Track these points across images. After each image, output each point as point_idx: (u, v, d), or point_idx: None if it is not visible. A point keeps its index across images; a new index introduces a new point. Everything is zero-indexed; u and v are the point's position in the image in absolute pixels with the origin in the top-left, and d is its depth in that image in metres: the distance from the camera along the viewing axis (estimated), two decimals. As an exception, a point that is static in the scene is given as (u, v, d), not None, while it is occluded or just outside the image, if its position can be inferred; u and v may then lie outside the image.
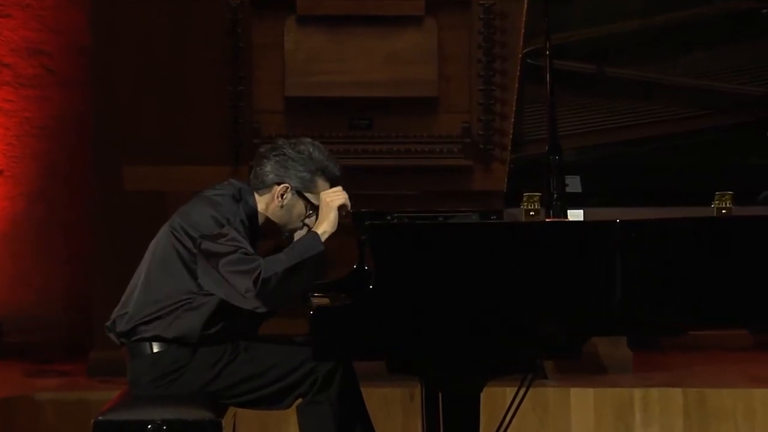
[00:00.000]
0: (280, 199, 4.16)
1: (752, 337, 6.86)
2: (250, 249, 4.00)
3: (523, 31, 4.48)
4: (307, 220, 4.19)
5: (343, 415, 4.12)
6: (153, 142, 6.36)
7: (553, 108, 4.15)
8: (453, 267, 3.80)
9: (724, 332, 6.23)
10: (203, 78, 6.36)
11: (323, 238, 4.03)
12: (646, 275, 3.86)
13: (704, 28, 4.65)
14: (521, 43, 4.50)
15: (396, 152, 6.36)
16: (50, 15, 7.03)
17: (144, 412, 4.00)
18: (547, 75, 4.16)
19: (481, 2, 6.35)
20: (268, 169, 4.17)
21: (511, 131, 4.61)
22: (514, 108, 4.59)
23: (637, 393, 5.86)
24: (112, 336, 4.20)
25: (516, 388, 4.15)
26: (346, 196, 4.11)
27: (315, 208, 4.16)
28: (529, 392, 4.14)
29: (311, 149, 4.17)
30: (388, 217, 4.45)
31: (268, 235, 4.28)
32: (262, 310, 3.97)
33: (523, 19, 4.47)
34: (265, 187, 4.18)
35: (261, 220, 4.20)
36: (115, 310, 4.20)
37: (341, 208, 4.09)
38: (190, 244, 4.07)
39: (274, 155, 4.17)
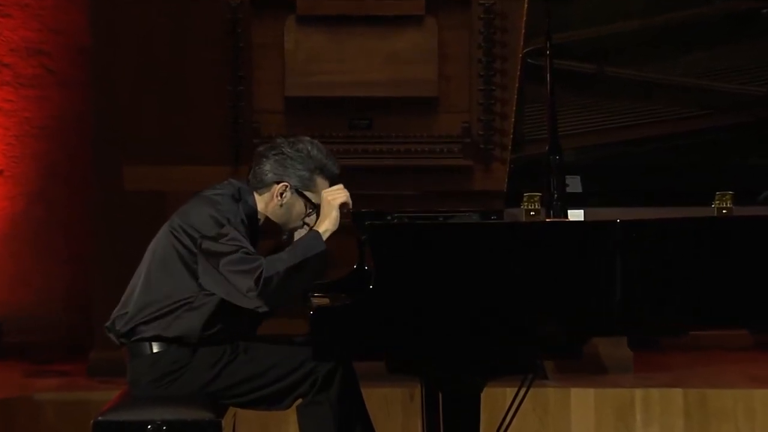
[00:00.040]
0: (279, 198, 4.16)
1: (753, 337, 6.86)
2: (251, 248, 4.00)
3: (523, 30, 4.48)
4: (307, 219, 4.19)
5: (343, 416, 4.12)
6: (153, 142, 6.36)
7: (553, 108, 4.14)
8: (453, 267, 3.80)
9: (724, 332, 6.23)
10: (203, 78, 6.36)
11: (325, 237, 4.03)
12: (647, 275, 3.86)
13: (704, 28, 4.64)
14: (521, 43, 4.50)
15: (396, 152, 6.36)
16: (50, 15, 7.03)
17: (144, 413, 4.00)
18: (548, 75, 4.16)
19: (481, 2, 6.35)
20: (267, 168, 4.16)
21: (512, 131, 4.60)
22: (514, 108, 4.58)
23: (638, 393, 5.86)
24: (111, 336, 4.19)
25: (516, 389, 4.15)
26: (348, 194, 4.10)
27: (315, 207, 4.16)
28: (529, 392, 4.14)
29: (310, 148, 4.17)
30: (388, 217, 4.45)
31: (268, 235, 4.28)
32: (263, 309, 3.96)
33: (524, 18, 4.47)
34: (264, 186, 4.17)
35: (261, 219, 4.20)
36: (115, 310, 4.20)
37: (343, 206, 4.09)
38: (190, 244, 4.06)
39: (273, 154, 4.17)
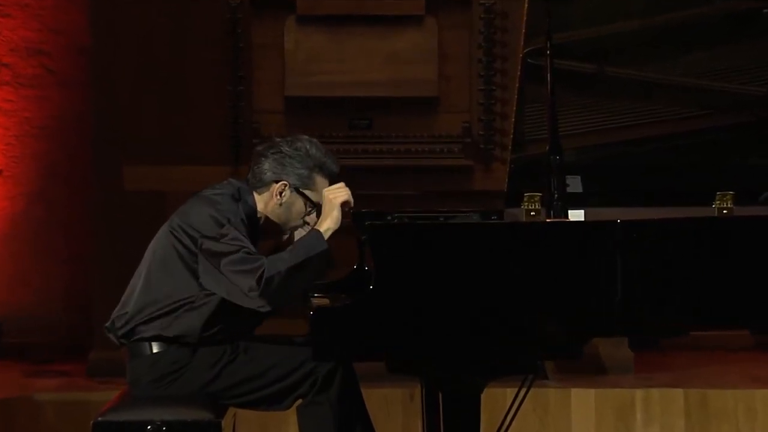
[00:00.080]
0: (278, 197, 4.15)
1: (753, 337, 6.86)
2: (252, 248, 3.99)
3: (523, 30, 4.48)
4: (307, 218, 4.18)
5: (343, 416, 4.11)
6: (153, 142, 6.36)
7: (553, 108, 4.14)
8: (453, 267, 3.80)
9: (725, 333, 6.23)
10: (203, 78, 6.36)
11: (326, 236, 4.02)
12: (647, 275, 3.86)
13: (704, 28, 4.64)
14: (522, 43, 4.50)
15: (396, 152, 6.36)
16: (50, 15, 7.02)
17: (143, 413, 3.99)
18: (548, 75, 4.16)
19: (481, 2, 6.35)
20: (266, 167, 4.16)
21: (512, 131, 4.60)
22: (514, 108, 4.58)
23: (638, 393, 5.86)
24: (111, 337, 4.19)
25: (516, 389, 4.15)
26: (349, 192, 4.09)
27: (314, 205, 4.15)
28: (529, 393, 4.13)
29: (308, 146, 4.16)
30: (388, 217, 4.45)
31: (268, 235, 4.27)
32: (265, 309, 3.95)
33: (524, 18, 4.47)
34: (263, 185, 4.17)
35: (261, 219, 4.19)
36: (115, 310, 4.20)
37: (344, 204, 4.08)
38: (190, 244, 4.06)
39: (272, 153, 4.16)
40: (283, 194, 4.15)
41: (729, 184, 4.44)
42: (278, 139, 4.21)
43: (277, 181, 4.14)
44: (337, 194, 4.07)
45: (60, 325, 6.95)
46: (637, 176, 4.63)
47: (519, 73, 4.53)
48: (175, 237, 4.09)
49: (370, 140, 6.37)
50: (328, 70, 6.35)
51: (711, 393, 5.83)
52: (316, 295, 4.33)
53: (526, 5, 4.44)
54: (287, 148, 4.15)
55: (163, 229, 4.17)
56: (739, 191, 4.43)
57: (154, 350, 4.10)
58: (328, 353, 3.89)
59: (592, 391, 5.88)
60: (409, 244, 3.83)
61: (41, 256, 7.02)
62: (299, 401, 4.14)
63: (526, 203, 4.17)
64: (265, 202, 4.18)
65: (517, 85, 4.57)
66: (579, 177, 4.49)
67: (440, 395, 3.93)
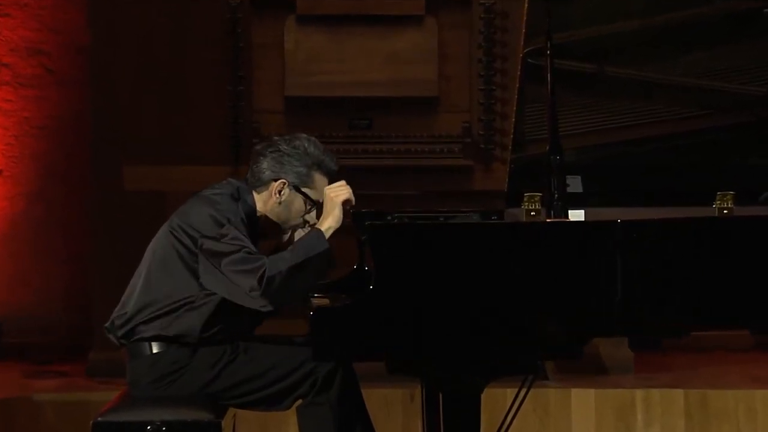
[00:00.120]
0: (277, 195, 4.14)
1: (753, 337, 6.85)
2: (253, 248, 3.99)
3: (523, 30, 4.47)
4: (307, 216, 4.17)
5: (343, 416, 4.11)
6: (153, 142, 6.36)
7: (553, 108, 4.14)
8: (453, 267, 3.79)
9: (725, 333, 6.23)
10: (203, 78, 6.36)
11: (327, 235, 4.01)
12: (647, 275, 3.86)
13: (704, 28, 4.64)
14: (522, 43, 4.49)
15: (396, 152, 6.35)
16: (49, 14, 7.02)
17: (143, 413, 3.99)
18: (548, 75, 4.16)
19: (481, 1, 6.34)
20: (265, 166, 4.15)
21: (512, 131, 4.60)
22: (514, 108, 4.58)
23: (639, 394, 5.85)
24: (111, 337, 4.19)
25: (517, 389, 4.14)
26: (350, 190, 4.08)
27: (314, 203, 4.15)
28: (529, 393, 4.13)
29: (306, 144, 4.15)
30: (388, 217, 4.44)
31: (269, 236, 4.27)
32: (267, 309, 3.95)
33: (524, 18, 4.47)
34: (262, 184, 4.16)
35: (260, 219, 4.18)
36: (115, 310, 4.19)
37: (346, 203, 4.07)
38: (190, 244, 4.05)
39: (270, 152, 4.16)
40: (282, 193, 4.14)
41: (729, 184, 4.43)
42: (276, 138, 4.20)
43: (275, 180, 4.14)
44: (338, 193, 4.07)
45: (60, 325, 6.95)
46: (637, 176, 4.63)
47: (519, 73, 4.52)
48: (175, 237, 4.09)
49: (370, 140, 6.37)
50: (328, 70, 6.35)
51: (711, 393, 5.82)
52: (316, 295, 4.33)
53: (526, 5, 4.44)
54: (285, 147, 4.15)
55: (163, 229, 4.16)
56: (740, 191, 4.42)
57: (154, 350, 4.09)
58: (328, 353, 3.88)
59: (592, 392, 5.87)
60: (409, 244, 3.83)
61: (41, 256, 7.02)
62: (299, 401, 4.13)
63: (527, 203, 4.17)
64: (264, 201, 4.17)
65: (517, 85, 4.56)
66: (579, 177, 4.49)
67: (440, 395, 3.92)
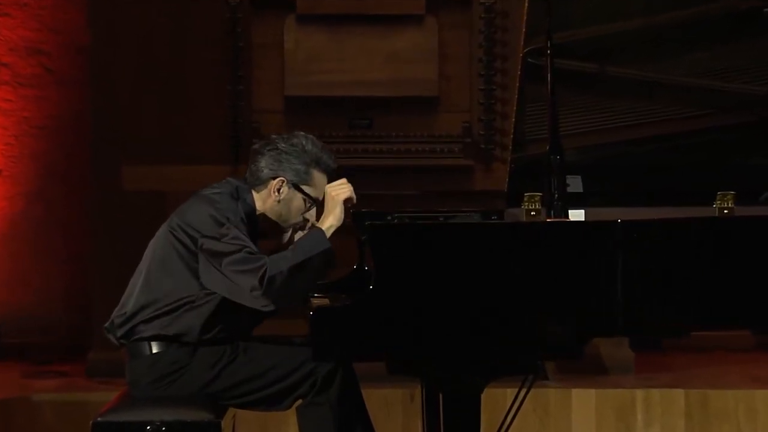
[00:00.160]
0: (276, 193, 4.14)
1: (754, 337, 6.85)
2: (254, 247, 3.98)
3: (524, 30, 4.47)
4: (306, 215, 4.17)
5: (343, 417, 4.10)
6: (153, 142, 6.35)
7: (554, 107, 4.13)
8: (453, 267, 3.79)
9: (726, 333, 6.22)
10: (203, 78, 6.35)
11: (329, 234, 4.00)
12: (648, 275, 3.85)
13: (706, 27, 4.63)
14: (522, 42, 4.49)
15: (396, 152, 6.35)
16: (49, 14, 7.02)
17: (143, 413, 3.99)
18: (548, 74, 4.15)
19: (481, 1, 6.34)
20: (263, 164, 4.14)
21: (512, 131, 4.60)
22: (515, 107, 4.58)
23: (639, 394, 5.85)
24: (110, 337, 4.18)
25: (517, 389, 4.14)
26: (351, 188, 4.07)
27: (313, 201, 4.14)
28: (530, 393, 4.12)
29: (304, 142, 4.15)
30: (388, 217, 4.44)
31: (269, 236, 4.26)
32: (270, 308, 3.94)
33: (524, 18, 4.46)
34: (261, 183, 4.15)
35: (260, 218, 4.18)
36: (114, 311, 4.19)
37: (347, 201, 4.06)
38: (189, 243, 4.05)
39: (268, 150, 4.15)
40: (281, 191, 4.14)
41: (730, 184, 4.43)
42: (275, 137, 4.20)
43: (274, 178, 4.13)
44: (339, 191, 4.06)
45: (60, 326, 6.95)
46: (638, 176, 4.63)
47: (519, 72, 4.52)
48: (175, 236, 4.08)
49: (370, 140, 6.36)
50: (328, 69, 6.34)
51: (712, 393, 5.82)
52: (316, 295, 4.32)
53: (526, 4, 4.44)
54: (283, 145, 4.14)
55: (163, 229, 4.16)
56: (740, 191, 4.42)
57: (154, 350, 4.09)
58: (328, 353, 3.88)
59: (592, 392, 5.87)
60: (409, 244, 3.82)
61: (40, 256, 7.01)
62: (299, 402, 4.13)
63: (527, 203, 4.16)
64: (263, 200, 4.16)
65: (517, 84, 4.56)
66: (579, 177, 4.48)
67: (440, 396, 3.92)
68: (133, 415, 3.99)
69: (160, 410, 3.99)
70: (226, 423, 4.06)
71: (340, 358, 4.03)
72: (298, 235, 4.19)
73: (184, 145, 6.34)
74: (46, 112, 7.03)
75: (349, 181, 4.12)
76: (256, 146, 4.21)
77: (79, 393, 5.91)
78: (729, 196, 4.39)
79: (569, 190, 4.13)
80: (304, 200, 4.14)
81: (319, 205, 4.15)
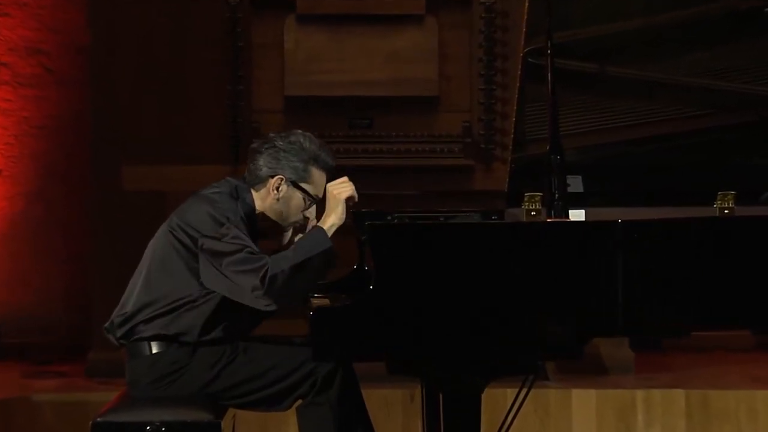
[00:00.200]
0: (275, 191, 4.13)
1: (754, 338, 6.85)
2: (254, 247, 3.98)
3: (524, 29, 4.47)
4: (306, 213, 4.16)
5: (343, 417, 4.10)
6: (153, 142, 6.35)
7: (554, 107, 4.13)
8: (454, 267, 3.79)
9: (726, 333, 6.22)
10: (203, 78, 6.35)
11: (330, 233, 3.99)
12: (648, 275, 3.85)
13: (706, 27, 4.63)
14: (522, 42, 4.49)
15: (396, 152, 6.35)
16: (48, 14, 7.02)
17: (143, 414, 3.98)
18: (549, 74, 4.15)
19: (482, 1, 6.34)
20: (261, 163, 4.14)
21: (513, 131, 4.59)
22: (515, 107, 4.57)
23: (639, 394, 5.85)
24: (110, 337, 4.18)
25: (517, 389, 4.13)
26: (353, 186, 4.06)
27: (312, 198, 4.13)
28: (530, 393, 4.12)
29: (302, 139, 4.15)
30: (388, 217, 4.44)
31: (270, 236, 4.25)
32: (272, 308, 3.93)
33: (525, 17, 4.46)
34: (260, 181, 4.15)
35: (260, 219, 4.17)
36: (114, 311, 4.18)
37: (349, 199, 4.06)
38: (189, 243, 4.04)
39: (266, 148, 4.15)
40: (280, 189, 4.13)
41: (730, 184, 4.42)
42: (272, 135, 4.20)
43: (272, 176, 4.13)
44: (341, 189, 4.05)
45: (60, 326, 6.95)
46: (638, 176, 4.62)
47: (519, 72, 4.52)
48: (174, 236, 4.08)
49: (370, 140, 6.36)
50: (328, 69, 6.34)
51: (712, 393, 5.82)
52: (316, 295, 4.32)
53: (526, 4, 4.43)
54: (281, 143, 4.14)
55: (162, 229, 4.15)
56: (741, 191, 4.42)
57: (154, 351, 4.08)
58: (328, 353, 3.87)
59: (593, 392, 5.87)
60: (409, 244, 3.82)
61: (40, 256, 7.01)
62: (299, 402, 4.12)
63: (527, 203, 4.16)
64: (262, 199, 4.16)
65: (517, 84, 4.56)
66: (580, 177, 4.48)
67: (440, 396, 3.91)
68: (133, 415, 3.99)
69: (160, 410, 3.98)
70: (226, 423, 4.05)
71: (340, 358, 4.03)
72: (299, 236, 4.18)
73: (184, 145, 6.34)
74: (45, 112, 7.03)
75: (350, 180, 4.11)
76: (254, 145, 4.20)
77: (79, 393, 5.91)
78: (729, 196, 4.39)
79: (569, 190, 4.13)
80: (304, 198, 4.14)
81: (319, 202, 4.14)
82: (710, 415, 5.79)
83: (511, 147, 4.60)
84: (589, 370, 6.07)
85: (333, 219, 4.02)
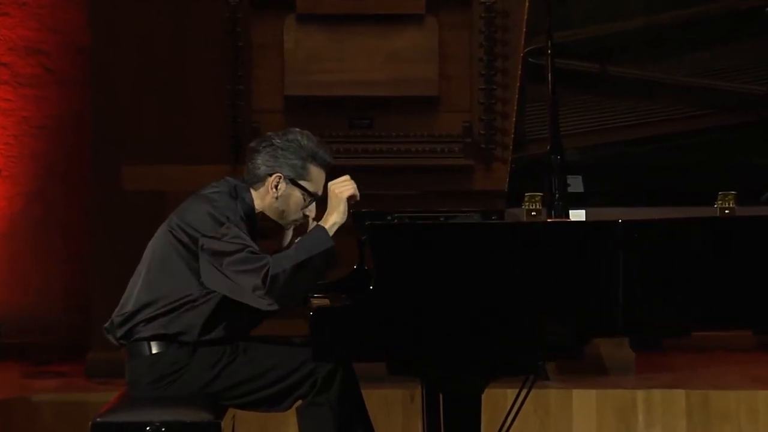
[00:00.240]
0: (274, 190, 4.13)
1: (755, 338, 6.84)
2: (255, 246, 3.97)
3: (524, 29, 4.47)
4: (306, 210, 4.16)
5: (343, 417, 4.10)
6: (153, 142, 6.35)
7: (554, 107, 4.13)
8: (454, 267, 3.78)
9: (726, 333, 6.21)
10: (203, 78, 6.35)
11: (332, 231, 3.99)
12: (649, 275, 3.85)
13: (706, 27, 4.63)
14: (523, 42, 4.48)
15: (396, 152, 6.34)
16: (48, 14, 7.01)
17: (142, 414, 3.98)
18: (549, 74, 4.14)
19: (482, 0, 6.33)
20: (259, 161, 4.14)
21: (513, 130, 4.59)
22: (515, 107, 4.57)
23: (640, 394, 5.84)
24: (110, 338, 4.17)
25: (517, 390, 4.13)
26: (355, 185, 4.06)
27: (312, 196, 4.13)
28: (530, 394, 4.11)
29: (300, 137, 4.15)
30: (388, 217, 4.43)
31: (270, 237, 4.25)
32: (274, 307, 3.93)
33: (525, 17, 4.46)
34: (258, 180, 4.15)
35: (259, 218, 4.17)
36: (114, 311, 4.18)
37: (351, 198, 4.05)
38: (189, 243, 4.04)
39: (264, 147, 4.15)
40: (278, 187, 4.13)
41: (731, 184, 4.42)
42: (270, 133, 4.20)
43: (271, 174, 4.12)
44: (343, 188, 4.05)
45: (59, 326, 6.94)
46: (639, 176, 4.62)
47: (520, 72, 4.52)
48: (174, 236, 4.07)
49: (370, 140, 6.36)
50: (328, 69, 6.34)
51: (713, 394, 5.81)
52: (316, 295, 4.32)
53: (527, 4, 4.43)
54: (279, 141, 4.14)
55: (162, 229, 4.15)
56: (741, 191, 4.41)
57: (154, 351, 4.08)
58: (328, 354, 3.87)
59: (593, 392, 5.86)
60: (409, 244, 3.82)
61: (40, 256, 7.01)
62: (299, 402, 4.12)
63: (527, 203, 4.16)
64: (261, 198, 4.16)
65: (518, 84, 4.56)
66: (580, 177, 4.48)
67: (441, 396, 3.91)
68: (133, 415, 3.98)
69: (160, 411, 3.98)
70: (225, 423, 4.05)
71: (340, 359, 4.02)
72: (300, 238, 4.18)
73: (184, 145, 6.34)
74: (45, 112, 7.02)
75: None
76: (252, 144, 4.21)
77: (79, 393, 5.90)
78: (730, 196, 4.39)
79: (570, 190, 4.13)
80: (303, 195, 4.13)
81: (318, 199, 4.14)
82: (711, 415, 5.79)
83: (511, 147, 4.60)
84: (589, 371, 6.07)
85: (335, 218, 4.01)
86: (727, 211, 4.37)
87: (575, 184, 4.40)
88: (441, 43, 6.37)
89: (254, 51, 6.39)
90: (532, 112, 4.55)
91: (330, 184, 4.07)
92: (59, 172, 7.01)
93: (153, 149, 6.34)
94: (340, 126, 6.35)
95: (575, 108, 4.62)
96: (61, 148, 7.01)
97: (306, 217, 4.17)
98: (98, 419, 3.98)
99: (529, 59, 4.47)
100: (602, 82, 4.65)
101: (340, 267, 4.30)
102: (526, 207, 4.16)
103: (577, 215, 4.23)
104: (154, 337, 4.08)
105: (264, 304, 3.92)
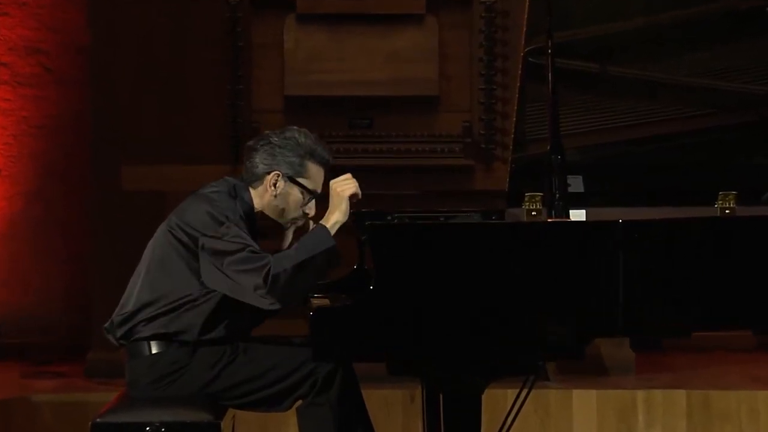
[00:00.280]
0: (272, 188, 4.13)
1: (755, 338, 6.84)
2: (256, 246, 3.97)
3: (524, 29, 4.47)
4: (305, 208, 4.15)
5: (343, 417, 4.09)
6: (153, 142, 6.35)
7: (555, 107, 4.13)
8: (454, 267, 3.78)
9: (727, 333, 6.21)
10: (203, 78, 6.35)
11: (334, 230, 3.98)
12: (649, 275, 3.85)
13: (706, 27, 4.63)
14: (523, 42, 4.48)
15: (396, 152, 6.34)
16: (48, 13, 7.01)
17: (142, 414, 3.98)
18: (549, 74, 4.14)
19: (482, 0, 6.33)
20: (257, 160, 4.14)
21: (513, 130, 4.59)
22: (515, 107, 4.57)
23: (640, 395, 5.84)
24: (110, 338, 4.17)
25: (518, 390, 4.13)
26: (357, 184, 4.05)
27: (311, 193, 4.13)
28: (530, 394, 4.11)
29: (297, 135, 4.15)
30: (388, 217, 4.43)
31: (270, 237, 4.25)
32: (275, 307, 3.92)
33: (525, 17, 4.46)
34: (257, 179, 4.14)
35: (259, 218, 4.16)
36: (115, 311, 4.18)
37: (352, 197, 4.05)
38: (189, 242, 4.04)
39: (262, 145, 4.15)
40: (276, 185, 4.12)
41: (731, 184, 4.42)
42: (268, 132, 4.20)
43: (269, 173, 4.12)
44: (344, 187, 4.04)
45: (59, 326, 6.94)
46: (639, 176, 4.62)
47: (520, 72, 4.51)
48: (174, 236, 4.07)
49: (370, 139, 6.36)
50: (328, 69, 6.34)
51: (713, 394, 5.81)
52: (316, 295, 4.31)
53: (527, 4, 4.43)
54: (276, 139, 4.14)
55: (162, 229, 4.15)
56: (742, 191, 4.41)
57: (153, 351, 4.08)
58: (328, 354, 3.87)
59: (593, 392, 5.86)
60: (409, 244, 3.81)
61: (40, 256, 7.01)
62: (299, 402, 4.12)
63: (528, 203, 4.16)
64: (260, 197, 4.15)
65: (518, 84, 4.55)
66: (580, 177, 4.48)
67: (441, 396, 3.91)
68: (133, 415, 3.98)
69: (160, 411, 3.98)
70: (225, 424, 4.05)
71: (340, 359, 4.02)
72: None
73: (184, 145, 6.33)
74: (45, 112, 7.02)
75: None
76: (250, 143, 4.20)
77: (78, 393, 5.90)
78: (730, 196, 4.39)
79: (570, 190, 4.13)
80: (302, 193, 4.13)
81: (318, 197, 4.14)
82: (711, 415, 5.79)
83: (511, 147, 4.60)
84: (589, 371, 6.06)
85: (337, 216, 4.01)
86: (727, 211, 4.37)
87: (575, 184, 4.40)
88: (441, 43, 6.37)
89: (254, 51, 6.39)
90: (533, 112, 4.55)
91: (332, 182, 4.07)
92: (59, 171, 7.00)
93: (153, 149, 6.34)
94: (340, 126, 6.35)
95: (575, 108, 4.62)
96: (61, 147, 7.00)
97: (306, 216, 4.16)
98: (98, 419, 3.98)
99: (530, 59, 4.47)
100: (602, 82, 4.65)
101: (340, 267, 4.29)
102: (527, 207, 4.16)
103: (578, 215, 4.23)
104: (154, 337, 4.07)
105: (265, 303, 3.91)
